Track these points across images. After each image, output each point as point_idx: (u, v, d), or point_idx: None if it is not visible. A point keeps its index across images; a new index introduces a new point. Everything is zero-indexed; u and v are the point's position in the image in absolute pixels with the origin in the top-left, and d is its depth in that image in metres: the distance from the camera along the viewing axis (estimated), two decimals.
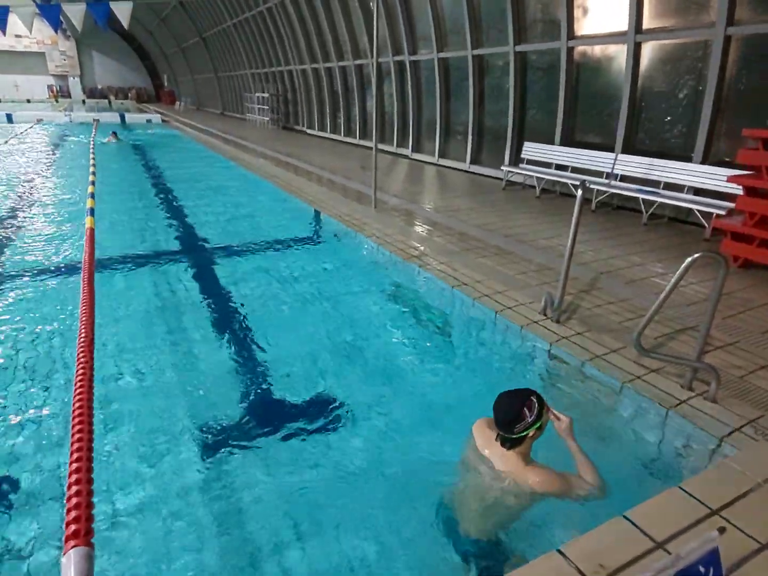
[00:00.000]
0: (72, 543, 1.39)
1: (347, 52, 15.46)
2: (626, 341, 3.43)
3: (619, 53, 7.61)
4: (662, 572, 1.27)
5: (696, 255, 2.52)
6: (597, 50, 8.14)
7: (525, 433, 2.17)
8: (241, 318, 4.52)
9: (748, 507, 2.06)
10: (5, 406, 3.16)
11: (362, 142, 16.02)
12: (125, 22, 12.14)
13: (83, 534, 1.42)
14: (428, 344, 4.09)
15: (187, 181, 10.74)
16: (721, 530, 1.36)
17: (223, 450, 2.86)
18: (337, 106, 17.37)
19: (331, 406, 3.26)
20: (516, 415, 2.15)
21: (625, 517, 1.98)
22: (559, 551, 1.81)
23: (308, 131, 20.06)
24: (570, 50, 8.28)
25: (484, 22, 10.05)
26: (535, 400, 2.20)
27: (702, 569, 1.34)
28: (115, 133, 16.41)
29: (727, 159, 6.42)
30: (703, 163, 6.56)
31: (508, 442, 2.21)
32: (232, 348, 4.01)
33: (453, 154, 11.90)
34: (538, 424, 2.17)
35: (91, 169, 9.42)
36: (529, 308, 3.99)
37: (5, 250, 6.07)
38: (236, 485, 2.61)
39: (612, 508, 2.15)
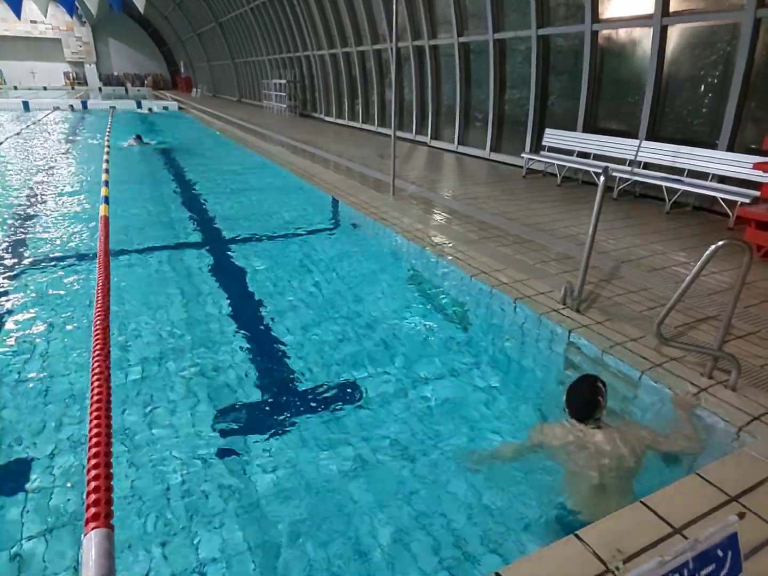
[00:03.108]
0: (92, 525, 1.41)
1: (366, 36, 15.33)
2: (647, 330, 3.42)
3: (645, 37, 7.45)
4: (681, 556, 1.29)
5: (720, 242, 2.50)
6: (622, 34, 7.97)
7: (601, 414, 2.53)
8: (256, 305, 4.59)
9: (767, 494, 2.07)
10: (23, 391, 3.22)
11: (380, 130, 15.94)
12: (140, 7, 12.13)
13: (103, 516, 1.44)
14: (446, 332, 4.12)
15: (204, 170, 10.83)
16: (741, 515, 1.38)
17: (243, 433, 2.93)
18: (355, 92, 17.27)
19: (351, 391, 3.34)
20: (596, 405, 2.51)
21: (642, 502, 2.01)
22: (577, 536, 1.84)
23: (326, 118, 20.00)
24: (594, 34, 8.12)
25: (506, 5, 9.88)
26: (602, 386, 2.56)
27: (720, 553, 1.36)
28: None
29: (753, 146, 6.28)
30: (729, 150, 6.43)
31: (592, 424, 2.54)
32: (248, 331, 4.09)
33: (473, 142, 11.79)
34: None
35: (105, 157, 9.42)
36: (549, 297, 3.99)
37: (22, 237, 6.17)
38: (256, 469, 2.67)
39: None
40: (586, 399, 2.53)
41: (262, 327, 4.23)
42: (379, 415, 3.11)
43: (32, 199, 7.94)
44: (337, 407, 3.17)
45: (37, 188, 8.66)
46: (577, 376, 2.71)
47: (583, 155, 8.26)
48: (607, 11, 7.98)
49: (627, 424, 2.66)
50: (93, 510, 1.46)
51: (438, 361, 3.70)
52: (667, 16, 6.98)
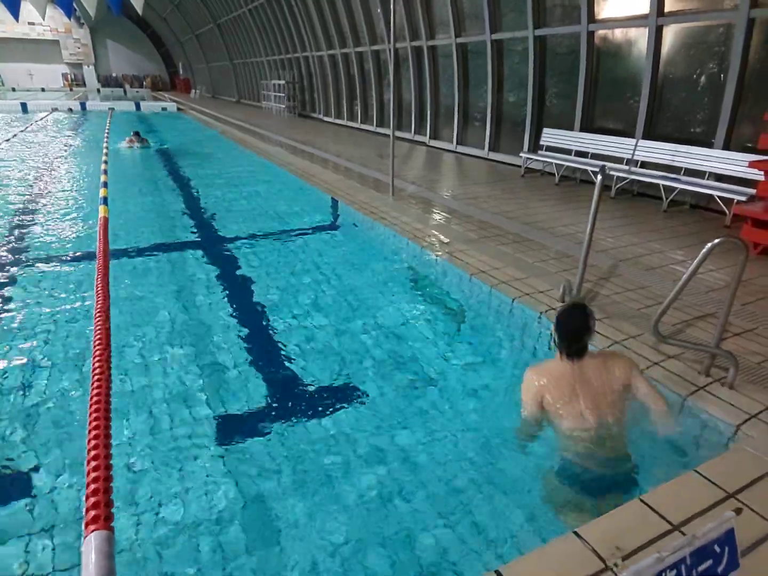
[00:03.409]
0: (92, 527, 1.42)
1: (364, 37, 15.34)
2: (644, 328, 3.44)
3: (641, 37, 7.47)
4: (678, 552, 1.30)
5: (716, 240, 2.51)
6: (618, 34, 7.99)
7: (590, 340, 2.54)
8: (256, 304, 4.60)
9: (764, 490, 2.08)
10: (24, 398, 3.20)
11: (379, 130, 15.95)
12: (139, 8, 12.14)
13: (103, 519, 1.45)
14: (445, 331, 4.13)
15: (203, 171, 10.83)
16: (738, 511, 1.39)
17: (243, 435, 2.94)
18: (354, 93, 17.29)
19: (351, 390, 3.35)
20: (587, 328, 2.51)
21: (641, 500, 2.02)
22: (576, 533, 1.85)
23: (325, 119, 20.01)
24: (590, 34, 8.14)
25: (503, 5, 9.91)
26: (590, 309, 2.56)
27: (718, 549, 1.37)
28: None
29: (749, 144, 6.31)
30: (724, 148, 6.45)
31: (582, 351, 2.52)
32: (248, 332, 4.10)
33: (471, 141, 11.81)
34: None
35: (104, 158, 9.40)
36: (548, 295, 4.01)
37: (22, 239, 6.17)
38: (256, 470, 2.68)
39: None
40: (577, 324, 2.50)
41: (260, 325, 4.24)
42: (379, 413, 3.12)
43: (31, 201, 7.93)
44: (335, 407, 3.19)
45: (36, 190, 8.64)
46: (563, 306, 2.66)
47: (581, 154, 8.28)
48: (603, 12, 8.01)
49: (613, 353, 2.75)
50: (93, 513, 1.46)
51: (436, 360, 3.71)
52: (662, 16, 7.01)
